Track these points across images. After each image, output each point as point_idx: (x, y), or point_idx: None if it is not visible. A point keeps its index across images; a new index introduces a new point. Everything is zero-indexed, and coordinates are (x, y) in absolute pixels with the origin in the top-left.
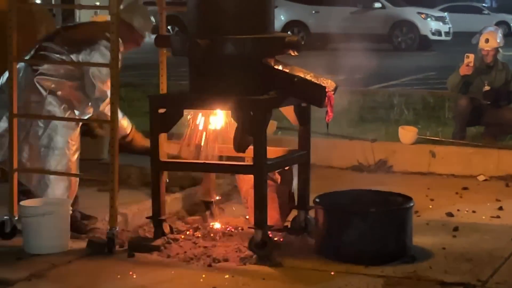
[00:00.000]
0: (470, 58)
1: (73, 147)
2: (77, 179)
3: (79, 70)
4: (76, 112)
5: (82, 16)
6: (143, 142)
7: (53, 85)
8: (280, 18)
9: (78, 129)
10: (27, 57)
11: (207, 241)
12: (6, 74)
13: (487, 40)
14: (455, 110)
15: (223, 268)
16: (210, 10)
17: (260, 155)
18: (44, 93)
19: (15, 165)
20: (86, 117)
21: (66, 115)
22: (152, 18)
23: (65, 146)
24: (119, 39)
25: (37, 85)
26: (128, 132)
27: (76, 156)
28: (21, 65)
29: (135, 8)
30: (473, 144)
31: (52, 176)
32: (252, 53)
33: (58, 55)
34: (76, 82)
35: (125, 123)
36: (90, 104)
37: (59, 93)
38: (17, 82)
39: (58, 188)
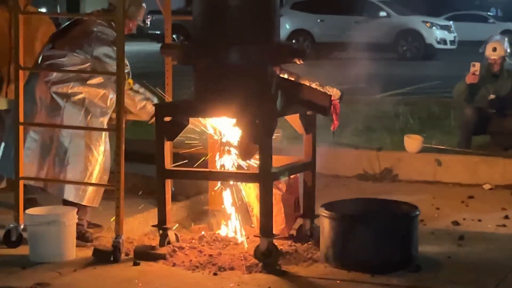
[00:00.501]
0: (476, 67)
1: (101, 152)
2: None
3: (90, 63)
4: (98, 112)
5: None
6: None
7: (69, 91)
8: (285, 26)
9: (103, 133)
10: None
11: (212, 250)
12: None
13: (494, 49)
14: (460, 119)
15: (229, 277)
16: (216, 19)
17: (265, 164)
18: (61, 102)
19: (21, 174)
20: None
21: (88, 119)
22: (144, 4)
23: (88, 152)
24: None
25: (54, 96)
26: (148, 118)
27: (104, 159)
28: (31, 81)
29: None
30: (478, 153)
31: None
32: (258, 61)
33: (63, 59)
34: (90, 78)
35: (149, 107)
36: (111, 96)
37: (77, 97)
38: (30, 97)
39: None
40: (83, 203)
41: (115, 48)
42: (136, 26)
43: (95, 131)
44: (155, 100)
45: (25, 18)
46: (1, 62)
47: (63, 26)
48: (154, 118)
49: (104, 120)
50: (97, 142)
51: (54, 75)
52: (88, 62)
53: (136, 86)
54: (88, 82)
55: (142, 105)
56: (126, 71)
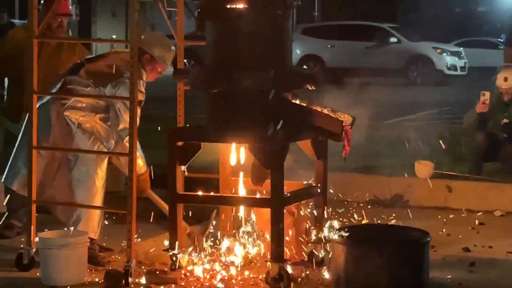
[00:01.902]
0: (486, 96)
1: (102, 179)
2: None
3: (104, 102)
4: (105, 142)
5: (99, 49)
6: (145, 187)
7: (81, 118)
8: (296, 52)
9: (106, 160)
10: (53, 90)
11: (224, 274)
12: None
13: (505, 79)
14: (471, 145)
15: None
16: (229, 45)
17: (277, 189)
18: (73, 126)
19: (34, 197)
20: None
21: (95, 147)
22: (173, 47)
23: (95, 178)
24: (142, 69)
25: (67, 119)
26: (141, 172)
27: (103, 187)
28: (48, 98)
29: (155, 38)
30: (489, 179)
31: (84, 210)
32: (270, 87)
33: (84, 88)
34: (102, 114)
35: (140, 163)
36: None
37: (87, 125)
38: (45, 115)
39: (91, 220)
40: (90, 236)
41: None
42: (165, 71)
43: (102, 160)
44: (144, 163)
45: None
46: (21, 89)
47: (91, 56)
48: (142, 175)
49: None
50: (102, 169)
51: (71, 101)
52: (103, 102)
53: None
54: (97, 116)
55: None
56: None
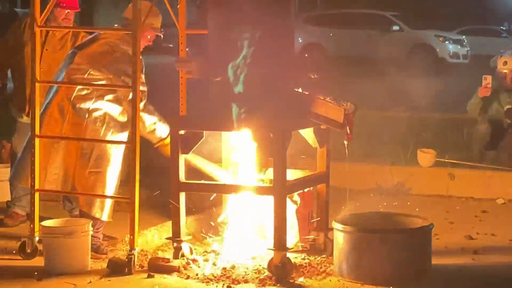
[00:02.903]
0: (488, 80)
1: (119, 167)
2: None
3: (108, 81)
4: (119, 127)
5: None
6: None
7: (91, 107)
8: (298, 40)
9: (123, 148)
10: (55, 87)
11: (226, 262)
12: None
13: (505, 63)
14: (474, 133)
15: None
16: (232, 33)
17: (279, 177)
18: (84, 116)
19: (37, 186)
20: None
21: (109, 134)
22: (160, 14)
23: (113, 167)
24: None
25: (76, 112)
26: (163, 137)
27: (120, 175)
28: (52, 94)
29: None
30: (492, 167)
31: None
32: (273, 75)
33: (83, 76)
34: (110, 95)
35: (158, 132)
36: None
37: (97, 113)
38: (57, 108)
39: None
40: (106, 220)
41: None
42: (154, 37)
43: (117, 148)
44: (165, 126)
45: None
46: (25, 82)
47: (81, 43)
48: (160, 142)
49: (124, 136)
50: (116, 156)
51: (76, 91)
52: (106, 80)
53: (151, 108)
54: (105, 98)
55: (152, 129)
56: (142, 88)
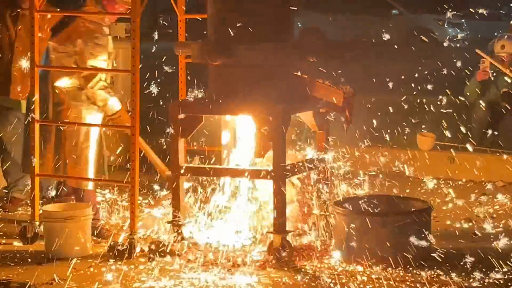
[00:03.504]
0: (486, 63)
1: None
2: None
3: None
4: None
5: None
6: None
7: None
8: (297, 25)
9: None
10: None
11: (227, 246)
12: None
13: (503, 47)
14: (473, 116)
15: (243, 273)
16: (231, 18)
17: (279, 160)
18: (65, 98)
19: (37, 171)
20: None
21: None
22: None
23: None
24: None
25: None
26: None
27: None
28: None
29: None
30: (491, 150)
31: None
32: (272, 60)
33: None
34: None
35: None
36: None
37: (75, 92)
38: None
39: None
40: (92, 188)
41: (99, 43)
42: (126, 10)
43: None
44: (116, 99)
45: None
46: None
47: (59, 22)
48: (115, 114)
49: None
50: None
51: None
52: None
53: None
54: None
55: (105, 103)
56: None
